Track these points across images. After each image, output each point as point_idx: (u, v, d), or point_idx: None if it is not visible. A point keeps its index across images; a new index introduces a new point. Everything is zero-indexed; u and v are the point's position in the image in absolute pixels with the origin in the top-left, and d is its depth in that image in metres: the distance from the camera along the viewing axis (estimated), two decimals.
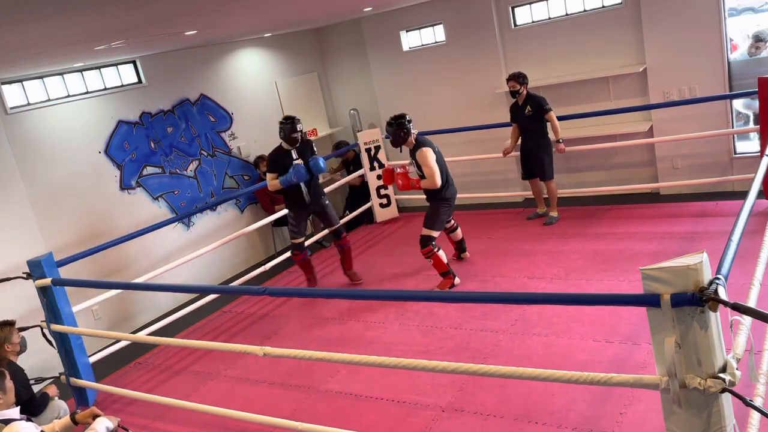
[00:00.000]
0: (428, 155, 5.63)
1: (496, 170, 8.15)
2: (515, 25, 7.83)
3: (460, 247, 6.51)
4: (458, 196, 8.28)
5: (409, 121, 5.78)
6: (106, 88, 6.66)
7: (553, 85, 7.60)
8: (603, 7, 7.25)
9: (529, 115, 6.83)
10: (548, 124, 6.80)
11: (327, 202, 6.40)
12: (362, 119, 9.10)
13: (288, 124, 6.01)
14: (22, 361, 4.37)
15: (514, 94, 6.86)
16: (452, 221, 6.31)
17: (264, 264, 7.05)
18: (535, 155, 6.91)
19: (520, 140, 7.07)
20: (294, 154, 6.07)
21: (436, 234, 5.84)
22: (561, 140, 6.78)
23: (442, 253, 5.88)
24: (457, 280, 5.93)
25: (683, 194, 7.11)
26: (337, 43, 9.15)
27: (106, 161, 6.57)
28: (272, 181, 6.07)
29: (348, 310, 5.97)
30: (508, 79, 6.84)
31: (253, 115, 8.18)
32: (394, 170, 6.05)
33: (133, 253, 6.60)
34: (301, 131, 6.06)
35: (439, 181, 5.62)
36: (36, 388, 4.52)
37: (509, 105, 7.80)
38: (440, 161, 5.74)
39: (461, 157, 8.00)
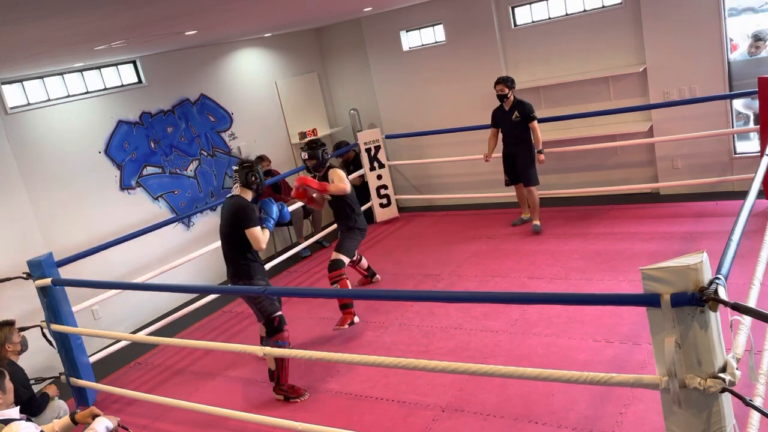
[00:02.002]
0: (342, 173, 5.62)
1: (495, 170, 8.13)
2: (515, 25, 7.83)
3: (370, 272, 6.41)
4: (459, 195, 8.38)
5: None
6: (106, 88, 6.66)
7: (553, 85, 7.60)
8: (603, 7, 7.25)
9: (516, 121, 6.74)
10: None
11: None
12: (362, 119, 9.10)
13: (255, 165, 4.77)
14: (22, 361, 4.37)
15: (501, 98, 6.77)
16: (357, 255, 6.13)
17: (264, 264, 7.04)
18: (522, 162, 6.80)
19: (503, 145, 6.96)
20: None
21: (346, 260, 5.63)
22: (542, 150, 6.70)
23: (348, 283, 5.63)
24: (356, 318, 5.45)
25: (683, 194, 7.11)
26: (337, 43, 9.15)
27: (106, 161, 6.57)
28: (265, 234, 4.66)
29: None
30: (497, 83, 6.75)
31: (253, 115, 8.18)
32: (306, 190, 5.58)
33: (134, 253, 6.60)
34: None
35: (348, 188, 5.58)
36: (36, 388, 4.52)
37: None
38: (352, 188, 5.77)
39: (461, 157, 8.00)
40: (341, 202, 5.71)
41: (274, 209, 4.79)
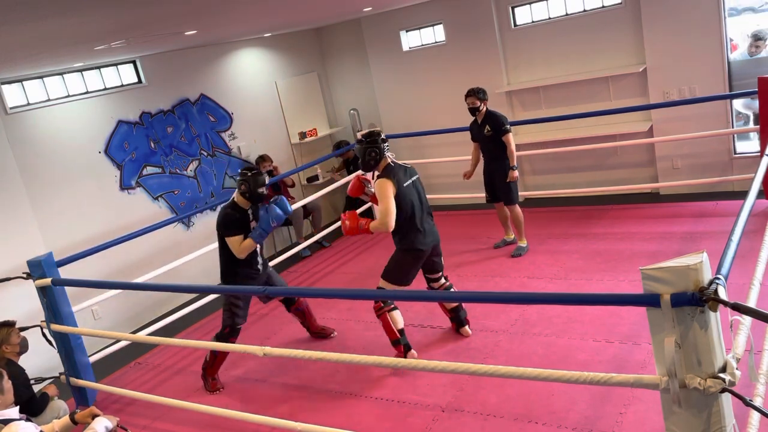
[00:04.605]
0: (385, 188, 4.48)
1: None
2: (515, 25, 7.83)
3: (456, 317, 5.04)
4: (459, 195, 8.37)
5: (384, 141, 4.67)
6: (106, 88, 6.66)
7: (553, 85, 7.60)
8: (603, 7, 7.25)
9: (488, 135, 6.29)
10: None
11: (270, 267, 5.23)
12: (362, 119, 9.10)
13: (254, 175, 4.73)
14: (22, 361, 4.37)
15: (473, 111, 6.31)
16: (441, 279, 4.96)
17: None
18: (500, 178, 6.34)
19: (483, 161, 6.58)
20: (250, 214, 4.83)
21: (391, 287, 4.67)
22: (515, 167, 6.23)
23: (397, 315, 4.72)
24: (413, 353, 4.77)
25: (683, 194, 7.11)
26: (337, 43, 9.15)
27: (106, 161, 6.57)
28: (244, 244, 4.70)
29: (348, 310, 5.97)
30: (467, 96, 6.29)
31: (253, 115, 8.18)
32: (363, 185, 4.91)
33: (133, 253, 6.60)
34: (268, 185, 4.95)
35: (391, 224, 4.45)
36: (36, 388, 4.52)
37: (509, 107, 7.80)
38: (408, 198, 4.60)
39: (461, 157, 7.99)
40: None
41: (273, 218, 4.74)
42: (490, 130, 6.28)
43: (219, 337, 4.92)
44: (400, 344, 4.76)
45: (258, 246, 4.84)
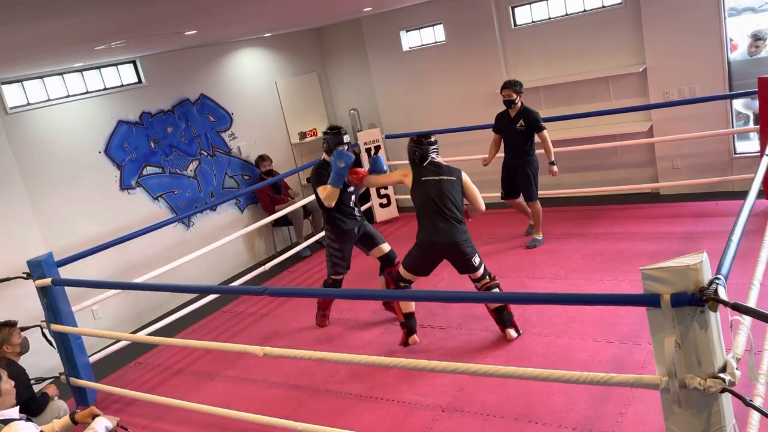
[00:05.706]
0: (402, 170, 5.00)
1: (495, 170, 8.13)
2: (515, 25, 7.83)
3: (499, 318, 4.85)
4: None
5: (425, 144, 4.87)
6: (106, 88, 6.66)
7: (553, 85, 7.60)
8: (603, 7, 7.26)
9: (520, 130, 6.25)
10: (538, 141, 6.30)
11: (367, 223, 5.61)
12: (362, 119, 9.10)
13: (333, 134, 5.27)
14: (22, 361, 4.37)
15: (508, 104, 6.24)
16: (485, 279, 4.84)
17: (264, 264, 7.05)
18: (524, 174, 6.40)
19: (504, 155, 6.58)
20: None
21: (406, 275, 4.88)
22: (555, 162, 6.24)
23: (408, 302, 4.92)
24: (414, 338, 4.94)
25: (683, 194, 7.12)
26: (337, 43, 9.15)
27: (106, 161, 6.57)
28: (327, 190, 5.15)
29: (348, 310, 5.97)
30: (503, 87, 6.23)
31: (253, 115, 8.18)
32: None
33: (133, 253, 6.60)
34: (348, 144, 5.26)
35: (368, 183, 5.34)
36: (36, 388, 4.52)
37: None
38: (423, 191, 4.75)
39: (461, 157, 8.00)
40: None
41: (335, 163, 5.14)
42: (524, 126, 6.24)
43: (326, 285, 5.61)
44: (405, 327, 4.98)
45: (352, 196, 5.41)
